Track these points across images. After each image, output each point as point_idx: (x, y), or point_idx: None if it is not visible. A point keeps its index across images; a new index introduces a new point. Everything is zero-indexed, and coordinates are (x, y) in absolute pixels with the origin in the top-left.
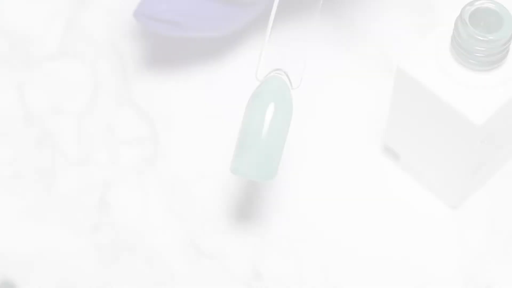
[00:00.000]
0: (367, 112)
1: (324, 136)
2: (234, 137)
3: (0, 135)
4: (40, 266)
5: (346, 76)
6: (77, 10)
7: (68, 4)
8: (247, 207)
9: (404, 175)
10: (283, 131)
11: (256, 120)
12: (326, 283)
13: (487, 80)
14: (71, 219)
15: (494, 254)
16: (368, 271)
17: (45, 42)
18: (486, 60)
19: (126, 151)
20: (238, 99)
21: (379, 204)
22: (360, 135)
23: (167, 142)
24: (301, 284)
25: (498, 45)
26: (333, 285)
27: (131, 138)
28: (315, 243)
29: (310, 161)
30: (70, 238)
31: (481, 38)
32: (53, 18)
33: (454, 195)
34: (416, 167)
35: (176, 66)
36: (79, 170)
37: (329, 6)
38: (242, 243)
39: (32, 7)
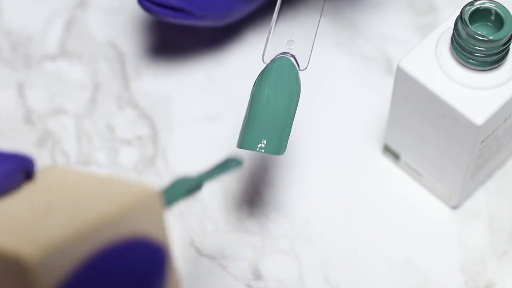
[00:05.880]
0: (367, 112)
1: (324, 136)
2: (235, 137)
3: (0, 135)
4: None
5: (346, 76)
6: (77, 10)
7: (67, 4)
8: (247, 207)
9: (404, 175)
10: (290, 105)
11: (264, 93)
12: (326, 283)
13: (487, 80)
14: None
15: (494, 254)
16: (368, 271)
17: (45, 42)
18: (486, 60)
19: (126, 151)
20: (238, 99)
21: (379, 204)
22: (360, 135)
23: (167, 142)
24: (301, 284)
25: (498, 45)
26: (333, 285)
27: (131, 138)
28: (315, 243)
29: (310, 161)
30: None
31: (481, 38)
32: (53, 18)
33: (454, 195)
34: (416, 167)
35: (176, 66)
36: None
37: (329, 6)
38: (242, 243)
39: (32, 7)
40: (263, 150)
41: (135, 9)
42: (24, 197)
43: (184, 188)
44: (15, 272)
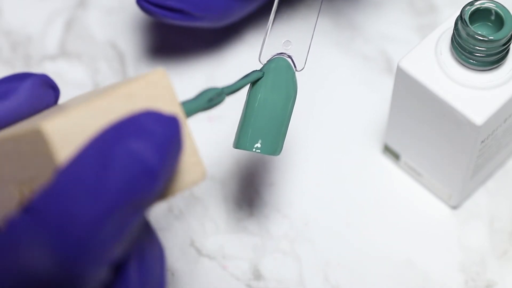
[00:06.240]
0: (367, 112)
1: (324, 136)
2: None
3: None
4: None
5: (346, 76)
6: (77, 10)
7: (67, 4)
8: (247, 207)
9: (404, 175)
10: (287, 106)
11: (261, 94)
12: (326, 283)
13: (487, 80)
14: None
15: (494, 254)
16: (368, 271)
17: (45, 42)
18: (486, 60)
19: None
20: (238, 99)
21: (379, 204)
22: (360, 135)
23: None
24: (301, 284)
25: (498, 45)
26: (333, 285)
27: None
28: (315, 243)
29: (310, 161)
30: None
31: (481, 38)
32: (53, 18)
33: (454, 195)
34: (416, 167)
35: (176, 66)
36: None
37: (328, 6)
38: (242, 243)
39: (32, 7)
40: (259, 151)
41: (135, 9)
42: (50, 109)
43: (207, 96)
44: (37, 146)
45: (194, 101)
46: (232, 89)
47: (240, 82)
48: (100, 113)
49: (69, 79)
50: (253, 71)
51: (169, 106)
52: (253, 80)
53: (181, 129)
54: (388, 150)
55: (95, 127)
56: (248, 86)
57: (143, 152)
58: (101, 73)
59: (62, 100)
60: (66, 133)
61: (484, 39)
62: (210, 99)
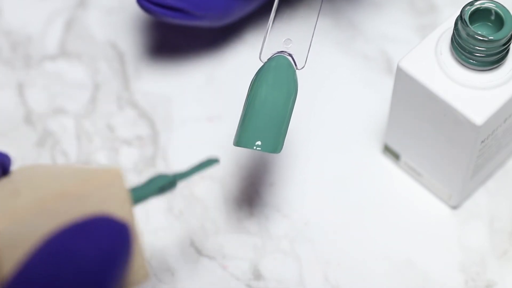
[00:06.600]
0: (367, 112)
1: (324, 136)
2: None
3: (0, 135)
4: None
5: (346, 76)
6: (77, 10)
7: (67, 4)
8: (247, 207)
9: (404, 175)
10: (287, 104)
11: (261, 92)
12: (326, 283)
13: (487, 80)
14: None
15: (494, 254)
16: (368, 271)
17: (45, 42)
18: (486, 60)
19: (126, 151)
20: (238, 99)
21: (379, 204)
22: (360, 135)
23: (167, 142)
24: (301, 284)
25: (498, 45)
26: (333, 285)
27: (131, 138)
28: (315, 243)
29: (310, 161)
30: None
31: (481, 38)
32: (53, 18)
33: (454, 195)
34: (416, 167)
35: (176, 66)
36: None
37: (329, 6)
38: (242, 243)
39: (32, 7)
40: (259, 148)
41: (135, 9)
42: None
43: (158, 184)
44: None
45: (144, 188)
46: (184, 176)
47: (192, 170)
48: (50, 215)
49: (69, 79)
50: (208, 160)
51: (121, 208)
52: (207, 167)
53: (132, 238)
54: (388, 150)
55: (44, 230)
56: (248, 84)
57: (93, 263)
58: (101, 73)
59: (58, 103)
60: (13, 235)
61: (484, 39)
62: (161, 187)
